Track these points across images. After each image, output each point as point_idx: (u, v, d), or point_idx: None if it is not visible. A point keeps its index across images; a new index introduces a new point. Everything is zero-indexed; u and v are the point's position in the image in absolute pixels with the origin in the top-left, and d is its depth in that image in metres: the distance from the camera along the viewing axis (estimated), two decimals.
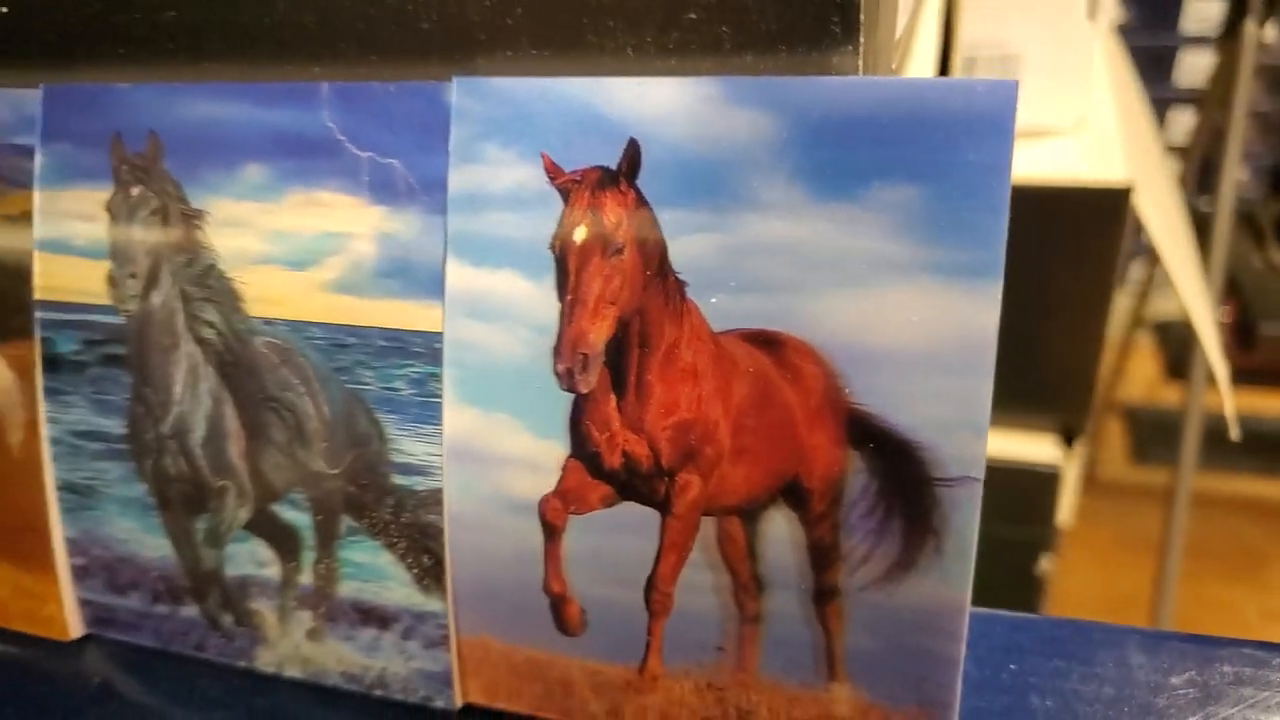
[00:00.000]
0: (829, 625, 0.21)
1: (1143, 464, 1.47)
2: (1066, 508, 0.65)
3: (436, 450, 0.23)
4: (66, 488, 0.27)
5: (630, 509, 0.22)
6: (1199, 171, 1.09)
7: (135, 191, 0.25)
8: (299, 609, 0.26)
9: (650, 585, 0.22)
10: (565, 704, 0.24)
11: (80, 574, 0.28)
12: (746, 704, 0.22)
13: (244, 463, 0.26)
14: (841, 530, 0.21)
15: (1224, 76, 0.95)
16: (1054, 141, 0.57)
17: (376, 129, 0.22)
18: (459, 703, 0.25)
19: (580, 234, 0.21)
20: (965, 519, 0.19)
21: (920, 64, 0.37)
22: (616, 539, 0.23)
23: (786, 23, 0.19)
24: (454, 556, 0.24)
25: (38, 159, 0.26)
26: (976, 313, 0.18)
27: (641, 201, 0.21)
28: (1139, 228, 0.56)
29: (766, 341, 0.20)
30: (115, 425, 0.26)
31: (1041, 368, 0.62)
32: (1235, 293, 1.20)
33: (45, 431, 0.27)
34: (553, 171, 0.21)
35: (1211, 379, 0.69)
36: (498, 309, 0.22)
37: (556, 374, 0.22)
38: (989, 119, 0.18)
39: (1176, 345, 1.43)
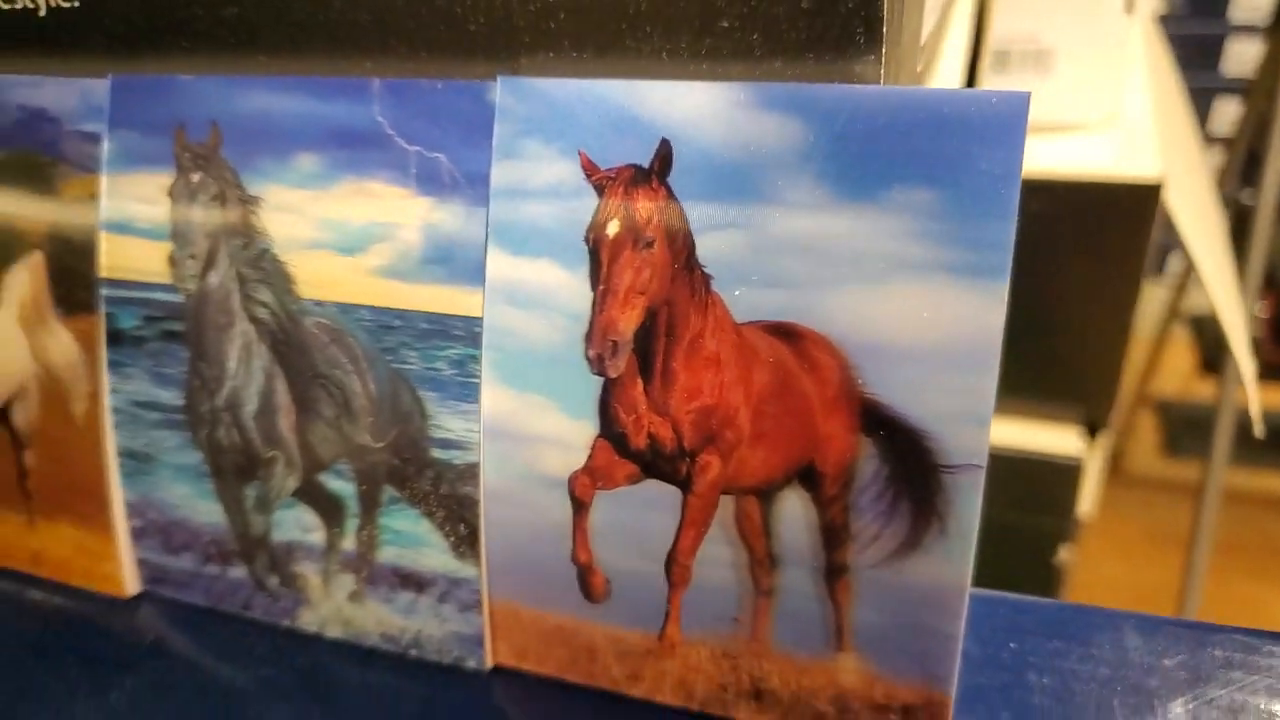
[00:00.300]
0: (838, 600, 0.22)
1: (1174, 458, 1.44)
2: (1088, 499, 0.65)
3: (474, 427, 0.24)
4: (126, 454, 0.28)
5: (654, 486, 0.23)
6: (1244, 163, 1.06)
7: (196, 178, 0.25)
8: (341, 572, 0.27)
9: (671, 558, 0.23)
10: (589, 668, 0.24)
11: (137, 535, 0.29)
12: (759, 672, 0.23)
13: (293, 435, 0.26)
14: (852, 512, 0.21)
15: (1272, 66, 0.93)
16: (1087, 136, 0.56)
17: (424, 124, 0.23)
18: (489, 664, 0.26)
19: (613, 227, 0.21)
20: (968, 504, 0.20)
21: (949, 61, 0.37)
22: (640, 514, 0.23)
23: (814, 33, 0.20)
24: (488, 527, 0.24)
25: (105, 145, 0.26)
26: (984, 311, 0.19)
27: (672, 198, 0.21)
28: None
29: (786, 333, 0.21)
30: (173, 397, 0.27)
31: (1067, 359, 0.61)
32: (1274, 287, 1.18)
33: (107, 401, 0.28)
34: (589, 168, 0.21)
35: None
36: (534, 296, 0.22)
37: (588, 359, 0.22)
38: (1001, 129, 0.18)
39: (1211, 339, 1.39)
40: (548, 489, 0.23)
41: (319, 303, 0.25)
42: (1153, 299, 1.41)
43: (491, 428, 0.24)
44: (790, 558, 0.22)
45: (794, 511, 0.22)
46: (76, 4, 0.26)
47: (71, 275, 0.27)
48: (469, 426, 0.24)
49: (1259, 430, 0.66)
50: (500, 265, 0.23)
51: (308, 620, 0.27)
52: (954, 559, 0.20)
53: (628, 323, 0.22)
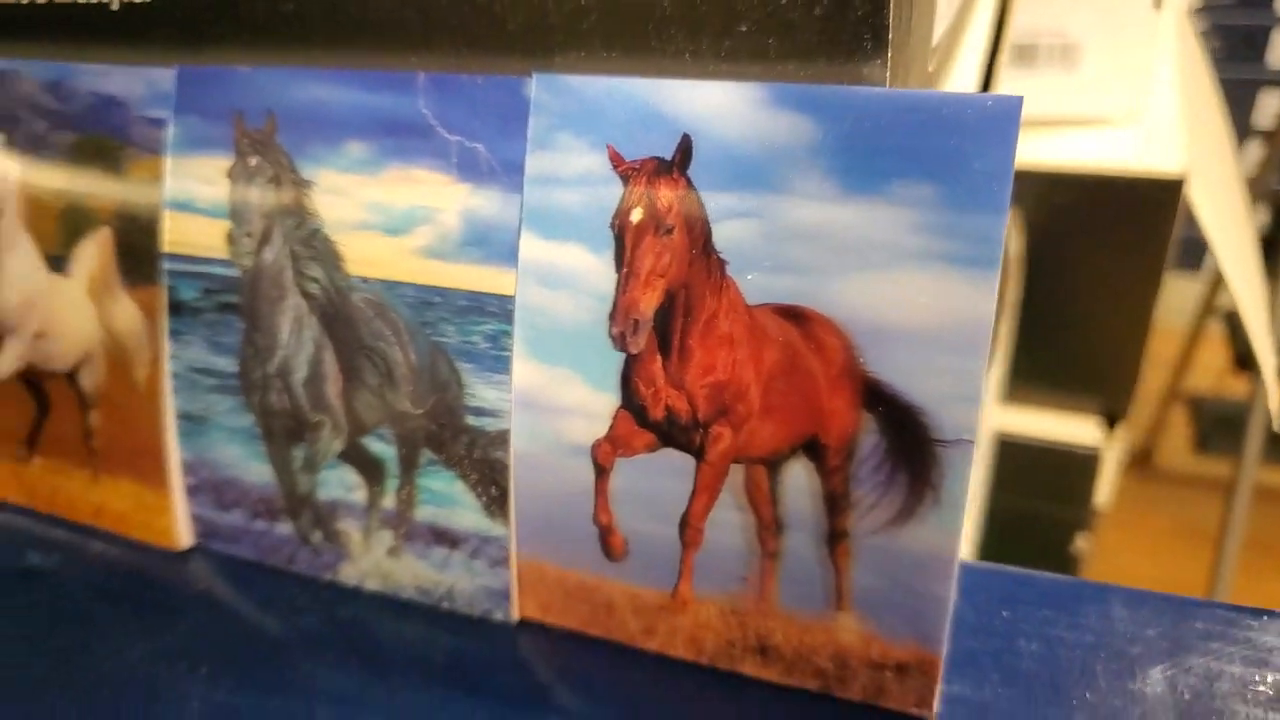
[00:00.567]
0: (838, 564, 0.23)
1: (1205, 454, 1.42)
2: (1105, 489, 0.65)
3: (506, 397, 0.25)
4: (183, 416, 0.29)
5: (670, 455, 0.24)
6: None
7: (253, 161, 0.26)
8: (381, 529, 0.27)
9: (684, 521, 0.24)
10: (607, 622, 0.26)
11: (191, 492, 0.30)
12: (764, 629, 0.24)
13: (339, 401, 0.27)
14: (853, 481, 0.22)
15: None
16: (1111, 130, 0.56)
17: (465, 116, 0.24)
18: (516, 617, 0.27)
19: (637, 215, 0.22)
20: (959, 476, 0.21)
21: (968, 57, 0.38)
22: (657, 480, 0.24)
23: (825, 37, 0.21)
24: (517, 489, 0.25)
25: (170, 130, 0.27)
26: (976, 299, 0.20)
27: (691, 188, 0.22)
28: None
29: (795, 315, 0.22)
30: (228, 364, 0.28)
31: (1088, 351, 0.60)
32: None
33: (167, 367, 0.29)
34: (615, 160, 0.22)
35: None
36: (563, 277, 0.23)
37: (611, 336, 0.23)
38: (995, 130, 0.19)
39: (1246, 335, 1.37)
40: (572, 455, 0.24)
41: (365, 279, 0.26)
42: (1188, 294, 1.39)
43: (521, 398, 0.25)
44: (795, 523, 0.23)
45: (799, 480, 0.23)
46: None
47: (136, 250, 0.29)
48: (501, 396, 0.25)
49: (1278, 424, 0.66)
50: (532, 248, 0.24)
51: (348, 574, 0.28)
52: (946, 527, 0.21)
53: (648, 303, 0.23)
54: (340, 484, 0.28)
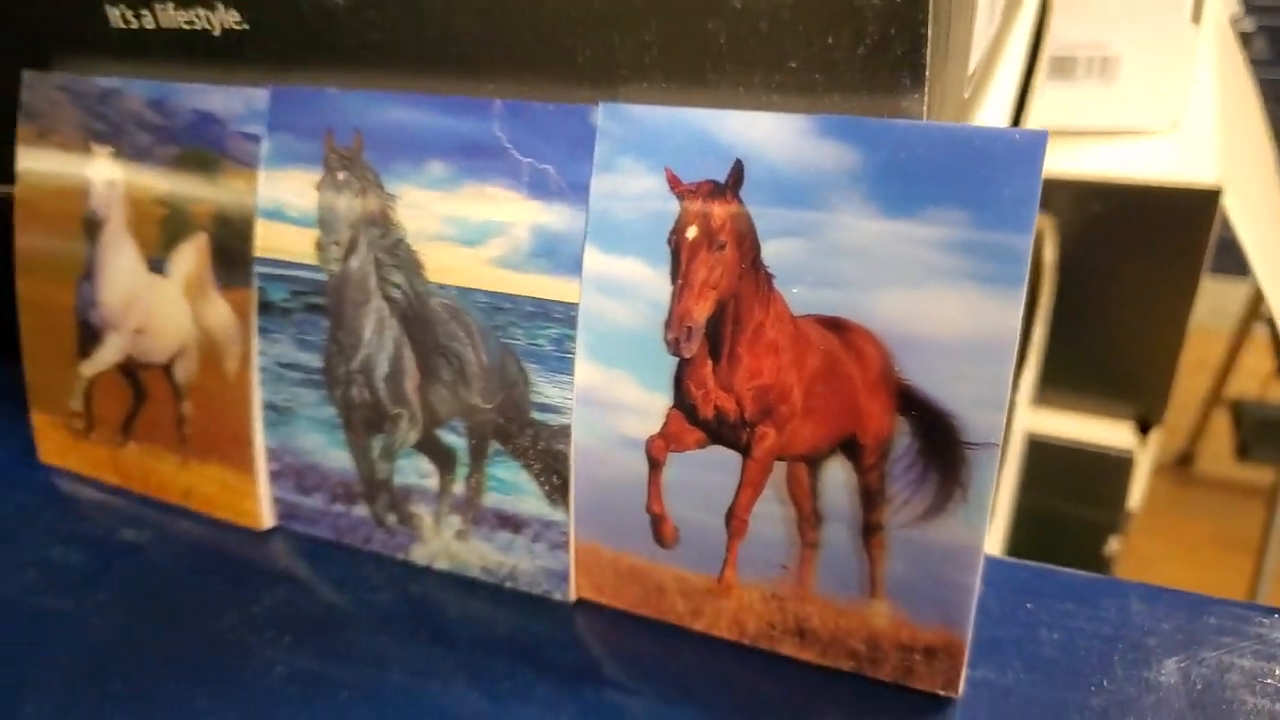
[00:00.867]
0: (873, 554, 0.24)
1: (1247, 460, 1.39)
2: (1138, 493, 0.65)
3: (568, 395, 0.26)
4: (270, 407, 0.30)
5: (718, 451, 0.25)
6: None
7: (341, 176, 0.27)
8: (451, 513, 0.28)
9: (730, 513, 0.25)
10: (658, 603, 0.26)
11: (275, 476, 0.31)
12: (802, 613, 0.25)
13: (416, 396, 0.28)
14: (887, 479, 0.23)
15: None
16: (1149, 141, 0.56)
17: (536, 140, 0.25)
18: (573, 597, 0.28)
19: (692, 232, 0.24)
20: (985, 475, 0.22)
21: (1006, 73, 0.39)
22: (706, 474, 0.25)
23: (867, 74, 0.22)
24: (577, 478, 0.26)
25: (264, 145, 0.29)
26: (1002, 313, 0.21)
27: (742, 209, 0.23)
28: None
29: (836, 326, 0.23)
30: (313, 360, 0.29)
31: (1121, 357, 0.61)
32: None
33: (256, 361, 0.30)
34: (673, 183, 0.24)
35: None
36: (623, 287, 0.24)
37: (666, 341, 0.24)
38: (1021, 161, 0.20)
39: None
40: (628, 449, 0.25)
41: (442, 286, 0.27)
42: (1233, 297, 1.37)
43: (582, 395, 0.26)
44: (832, 516, 0.24)
45: (837, 477, 0.24)
46: (245, 26, 0.28)
47: (230, 254, 0.30)
48: (564, 394, 0.26)
49: None
50: (595, 260, 0.25)
51: (419, 554, 0.29)
52: (972, 522, 0.22)
53: (701, 312, 0.24)
54: (414, 471, 0.29)
